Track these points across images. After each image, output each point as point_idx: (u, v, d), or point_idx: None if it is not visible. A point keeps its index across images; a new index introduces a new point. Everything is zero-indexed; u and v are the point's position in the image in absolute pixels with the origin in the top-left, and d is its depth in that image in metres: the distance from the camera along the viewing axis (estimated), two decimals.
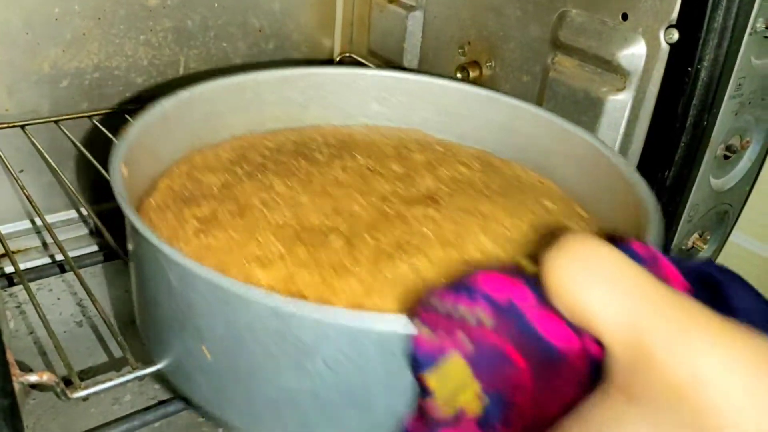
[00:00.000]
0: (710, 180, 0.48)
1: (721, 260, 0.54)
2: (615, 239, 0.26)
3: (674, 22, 0.44)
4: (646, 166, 0.46)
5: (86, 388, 0.37)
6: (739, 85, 0.45)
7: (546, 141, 0.47)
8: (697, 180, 0.47)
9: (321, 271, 0.34)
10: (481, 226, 0.38)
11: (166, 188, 0.42)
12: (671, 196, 0.47)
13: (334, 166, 0.44)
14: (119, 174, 0.35)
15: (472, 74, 0.60)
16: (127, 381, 0.38)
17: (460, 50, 0.62)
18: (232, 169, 0.43)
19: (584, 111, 0.50)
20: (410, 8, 0.66)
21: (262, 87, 0.50)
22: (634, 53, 0.46)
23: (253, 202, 0.39)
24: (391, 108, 0.53)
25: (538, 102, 0.55)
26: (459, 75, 0.61)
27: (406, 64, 0.68)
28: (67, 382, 0.37)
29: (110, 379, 0.38)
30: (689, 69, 0.43)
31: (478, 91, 0.51)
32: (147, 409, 0.46)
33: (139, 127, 0.40)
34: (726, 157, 0.48)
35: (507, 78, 0.58)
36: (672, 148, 0.45)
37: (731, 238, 0.55)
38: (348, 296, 0.32)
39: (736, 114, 0.46)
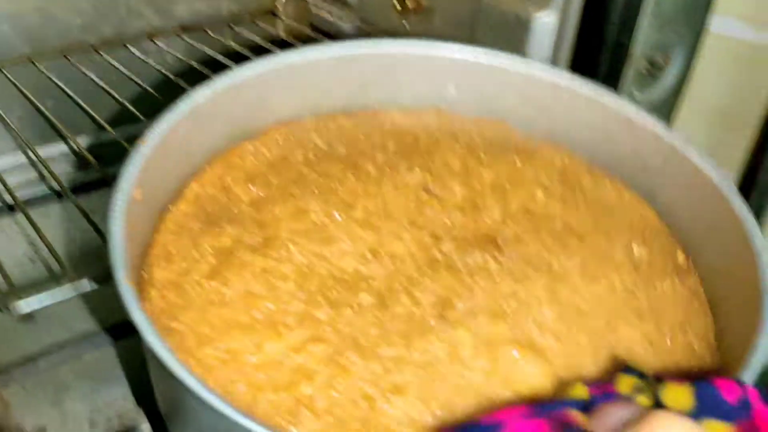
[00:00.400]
0: (635, 95, 0.48)
1: None
2: (702, 378, 0.24)
3: None
4: None
5: (27, 299, 0.37)
6: (659, 1, 0.44)
7: (650, 158, 0.40)
8: (619, 94, 0.46)
9: (340, 347, 0.29)
10: (547, 289, 0.32)
11: (194, 197, 0.37)
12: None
13: (386, 183, 0.37)
14: (121, 216, 0.31)
15: (411, 4, 0.58)
16: (69, 297, 0.38)
17: None
18: (269, 180, 0.38)
19: (514, 35, 0.49)
20: None
21: (318, 66, 0.43)
22: None
23: (281, 233, 0.34)
24: (471, 94, 0.46)
25: (471, 29, 0.53)
26: (397, 4, 0.59)
27: None
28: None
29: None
30: None
31: (574, 87, 0.43)
32: (98, 332, 0.48)
33: (159, 134, 0.35)
34: (650, 73, 0.47)
35: (443, 7, 0.56)
36: (595, 65, 0.46)
37: None
38: (364, 389, 0.28)
39: (657, 30, 0.45)
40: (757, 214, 0.40)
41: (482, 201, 0.37)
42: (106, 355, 0.46)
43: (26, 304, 0.37)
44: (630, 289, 0.33)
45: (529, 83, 0.44)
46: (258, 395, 0.28)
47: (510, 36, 0.50)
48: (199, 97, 0.38)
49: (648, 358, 0.31)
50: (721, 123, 0.51)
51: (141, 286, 0.33)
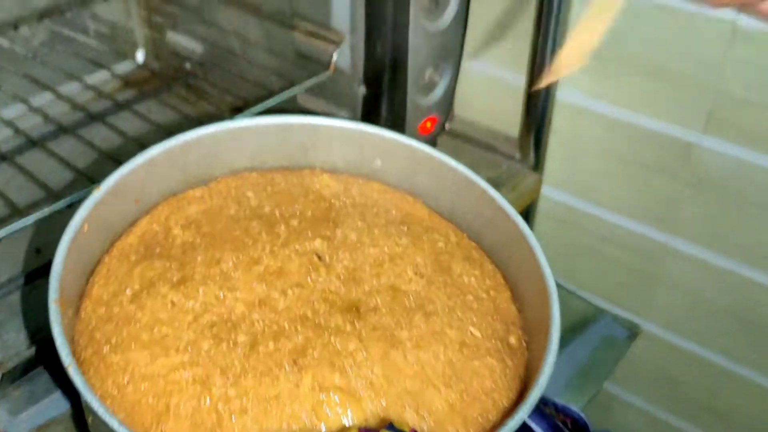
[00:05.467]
0: (425, 24, 0.64)
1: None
2: None
3: None
4: (371, 25, 0.63)
5: None
6: None
7: (512, 251, 0.50)
8: (412, 27, 0.63)
9: (210, 372, 0.40)
10: (383, 353, 0.42)
11: (141, 231, 0.49)
12: (394, 46, 0.64)
13: (289, 246, 0.48)
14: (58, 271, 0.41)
15: None
16: None
17: None
18: (201, 227, 0.49)
19: None
20: None
21: (265, 130, 0.55)
22: None
23: (195, 276, 0.45)
24: (394, 169, 0.57)
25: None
26: None
27: None
28: None
29: None
30: None
31: (472, 179, 0.53)
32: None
33: (112, 181, 0.47)
34: (435, 5, 0.63)
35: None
36: (385, 6, 0.62)
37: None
38: (217, 406, 0.39)
39: None
40: None
41: (359, 274, 0.47)
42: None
43: None
44: (451, 361, 0.44)
45: (438, 168, 0.55)
46: (141, 397, 0.39)
47: None
48: (154, 151, 0.50)
49: (445, 418, 0.41)
50: None
51: (82, 297, 0.45)
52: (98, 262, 0.47)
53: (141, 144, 0.68)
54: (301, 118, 0.56)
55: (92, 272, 0.47)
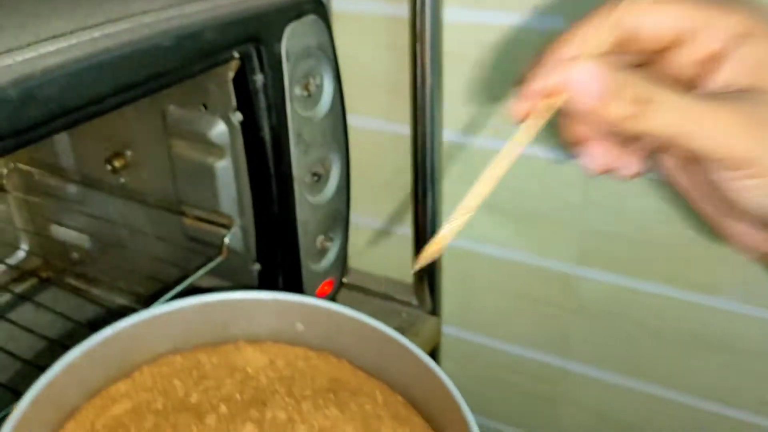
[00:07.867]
0: (309, 199, 0.70)
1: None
2: None
3: (236, 107, 0.63)
4: (258, 207, 0.68)
5: None
6: (299, 134, 0.65)
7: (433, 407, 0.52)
8: (298, 204, 0.69)
9: None
10: None
11: None
12: (282, 220, 0.69)
13: None
14: None
15: (119, 164, 0.76)
16: None
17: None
18: (129, 431, 0.49)
19: (204, 178, 0.70)
20: None
21: (182, 315, 0.56)
22: (219, 132, 0.66)
23: None
24: (316, 331, 0.59)
25: (173, 177, 0.72)
26: (108, 166, 0.76)
27: None
28: None
29: None
30: (260, 135, 0.63)
31: (395, 337, 0.55)
32: None
33: (30, 397, 0.46)
34: (317, 180, 0.70)
35: (145, 161, 0.75)
36: (269, 190, 0.67)
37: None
38: None
39: (306, 153, 0.67)
40: None
41: None
42: None
43: None
44: None
45: (358, 328, 0.57)
46: None
47: (201, 179, 0.70)
48: (73, 355, 0.50)
49: None
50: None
51: None
52: None
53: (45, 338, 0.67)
54: (217, 296, 0.58)
55: None
